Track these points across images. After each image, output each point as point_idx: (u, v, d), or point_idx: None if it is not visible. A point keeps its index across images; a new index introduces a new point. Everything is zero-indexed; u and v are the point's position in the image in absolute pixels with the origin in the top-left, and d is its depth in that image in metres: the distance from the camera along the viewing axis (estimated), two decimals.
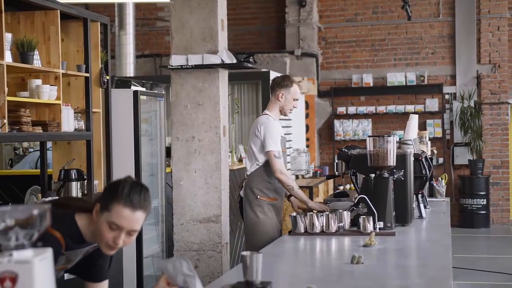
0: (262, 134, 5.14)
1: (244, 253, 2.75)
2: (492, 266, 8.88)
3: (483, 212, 12.23)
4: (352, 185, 12.20)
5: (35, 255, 1.79)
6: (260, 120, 5.28)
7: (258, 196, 5.21)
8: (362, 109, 12.83)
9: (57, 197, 5.04)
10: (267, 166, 5.19)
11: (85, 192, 5.61)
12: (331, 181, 11.41)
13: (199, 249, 5.77)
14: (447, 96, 12.71)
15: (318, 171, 11.40)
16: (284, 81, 5.32)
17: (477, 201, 12.19)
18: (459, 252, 9.67)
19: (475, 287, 7.89)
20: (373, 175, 4.45)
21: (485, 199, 12.21)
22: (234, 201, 6.86)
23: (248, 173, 5.34)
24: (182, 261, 2.69)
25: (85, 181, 5.59)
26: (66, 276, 3.24)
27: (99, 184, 5.86)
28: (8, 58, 4.67)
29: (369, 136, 4.52)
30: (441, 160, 12.52)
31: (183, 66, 5.87)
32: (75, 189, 5.46)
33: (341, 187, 12.23)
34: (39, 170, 5.78)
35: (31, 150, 8.41)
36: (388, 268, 3.36)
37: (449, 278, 2.95)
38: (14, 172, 7.26)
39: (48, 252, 1.83)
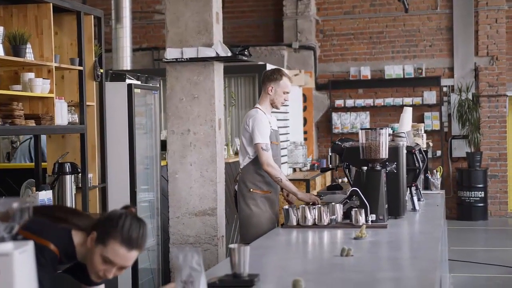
0: (251, 127, 5.17)
1: (232, 246, 2.77)
2: (490, 258, 8.89)
3: (481, 204, 12.24)
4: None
5: (15, 247, 1.79)
6: (249, 114, 5.30)
7: (251, 189, 5.23)
8: (360, 102, 12.82)
9: (56, 205, 4.96)
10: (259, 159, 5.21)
11: (79, 185, 5.61)
12: (328, 174, 11.42)
13: (195, 242, 5.78)
14: (445, 89, 12.70)
15: (316, 164, 11.41)
16: (274, 75, 5.33)
17: (475, 193, 12.20)
18: (456, 244, 9.69)
19: (472, 280, 7.90)
20: (365, 167, 4.46)
21: (483, 192, 12.22)
22: (230, 194, 6.87)
23: (241, 167, 5.36)
24: (194, 254, 2.69)
25: (79, 174, 5.59)
26: None
27: (93, 178, 5.86)
28: (0, 51, 4.67)
29: (361, 129, 4.53)
30: (439, 152, 12.52)
31: (178, 59, 5.87)
32: (69, 183, 5.46)
33: (339, 180, 12.26)
34: (33, 164, 5.79)
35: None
36: (377, 260, 3.37)
37: (436, 269, 2.95)
38: (10, 165, 7.27)
39: (29, 245, 1.83)
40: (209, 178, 5.98)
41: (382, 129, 4.47)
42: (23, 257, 1.79)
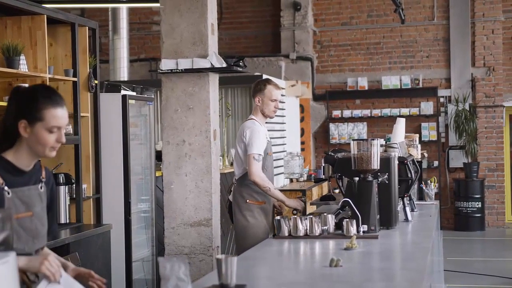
0: (247, 138, 5.20)
1: (219, 256, 2.78)
2: (486, 269, 8.88)
3: (478, 215, 12.23)
4: None
5: None
6: (246, 125, 5.35)
7: (248, 200, 5.25)
8: (357, 112, 12.85)
9: None
10: None
11: (74, 196, 5.63)
12: (325, 184, 11.43)
13: (190, 253, 5.79)
14: (442, 99, 12.72)
15: (313, 175, 11.41)
16: (258, 86, 5.43)
17: (472, 204, 12.20)
18: (453, 255, 9.69)
19: None
20: (357, 178, 4.46)
21: (480, 202, 12.22)
22: (225, 205, 6.87)
23: (236, 178, 5.38)
24: (182, 265, 2.70)
25: (73, 185, 5.60)
26: None
27: (87, 188, 5.87)
28: None
29: (353, 140, 4.54)
30: (436, 163, 12.53)
31: (173, 70, 5.89)
32: (63, 194, 5.47)
33: (337, 191, 12.25)
34: None
35: None
36: (365, 271, 3.37)
37: (423, 280, 2.96)
38: None
39: (11, 256, 1.84)
40: (204, 188, 5.98)
41: (373, 139, 4.48)
42: (4, 268, 1.80)
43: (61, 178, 5.47)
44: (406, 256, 3.70)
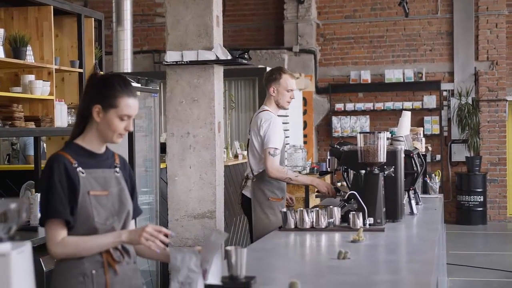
0: (264, 131, 5.07)
1: (229, 248, 2.78)
2: (488, 262, 8.89)
3: (480, 209, 12.25)
4: None
5: (13, 248, 1.80)
6: (262, 117, 5.17)
7: (270, 198, 5.15)
8: (360, 105, 12.84)
9: None
10: None
11: None
12: (328, 177, 11.43)
13: (194, 245, 5.78)
14: (445, 93, 12.72)
15: (316, 168, 11.42)
16: (273, 75, 5.25)
17: (474, 198, 12.21)
18: (455, 248, 9.70)
19: (470, 284, 7.91)
20: (363, 171, 4.46)
21: (482, 196, 12.23)
22: (229, 197, 6.88)
23: (255, 173, 5.23)
24: (193, 256, 2.71)
25: None
26: None
27: None
28: (0, 53, 4.69)
29: (359, 133, 4.54)
30: (438, 157, 12.53)
31: (178, 62, 5.88)
32: None
33: (339, 184, 12.26)
34: (33, 166, 5.80)
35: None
36: (373, 263, 3.38)
37: (432, 273, 2.97)
38: (10, 167, 7.29)
39: (27, 246, 1.84)
40: (209, 181, 5.98)
41: (380, 133, 4.48)
42: (20, 258, 1.81)
43: None
44: (413, 249, 3.70)
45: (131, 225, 3.05)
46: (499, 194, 12.59)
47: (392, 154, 4.60)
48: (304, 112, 12.49)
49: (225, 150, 8.38)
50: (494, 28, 12.52)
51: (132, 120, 2.86)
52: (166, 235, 2.87)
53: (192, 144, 5.98)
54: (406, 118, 5.52)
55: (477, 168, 12.26)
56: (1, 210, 1.79)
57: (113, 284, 2.82)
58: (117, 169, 2.96)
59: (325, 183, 5.21)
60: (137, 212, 3.07)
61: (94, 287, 2.79)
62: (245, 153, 8.35)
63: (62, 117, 5.29)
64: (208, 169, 5.95)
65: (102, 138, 2.87)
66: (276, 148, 5.04)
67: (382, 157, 4.45)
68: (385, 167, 4.53)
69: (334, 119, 12.92)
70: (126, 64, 10.39)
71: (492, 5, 12.51)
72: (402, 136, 5.19)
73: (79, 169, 2.81)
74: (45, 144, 6.15)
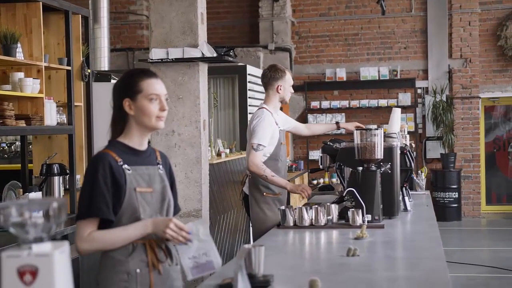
0: (253, 126, 5.11)
1: (247, 246, 2.75)
2: (464, 258, 8.99)
3: (455, 205, 12.38)
4: (328, 179, 12.27)
5: (55, 248, 1.76)
6: (256, 114, 5.24)
7: (264, 193, 5.17)
8: (336, 103, 12.88)
9: None
10: (270, 161, 5.15)
11: (67, 187, 5.55)
12: (306, 175, 11.46)
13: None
14: (419, 91, 12.82)
15: (294, 165, 11.44)
16: (278, 73, 5.32)
17: (449, 194, 12.33)
18: None
19: (454, 279, 7.96)
20: (360, 168, 4.46)
21: (456, 193, 12.36)
22: (213, 196, 6.84)
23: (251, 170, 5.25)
24: (199, 226, 2.72)
25: (67, 175, 5.52)
26: None
27: (81, 179, 5.79)
28: None
29: (356, 129, 4.54)
30: (414, 154, 12.61)
31: (163, 60, 5.83)
32: (57, 184, 5.39)
33: (322, 181, 12.30)
34: (19, 165, 5.70)
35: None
36: (383, 260, 3.38)
37: (446, 269, 2.97)
38: None
39: (66, 246, 1.80)
40: (194, 179, 5.95)
41: (377, 129, 4.49)
42: (62, 257, 1.77)
43: (56, 168, 5.38)
44: (420, 246, 3.71)
45: None
46: (473, 190, 12.73)
47: (388, 151, 4.61)
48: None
49: (209, 148, 8.33)
50: (467, 26, 12.65)
51: (164, 100, 2.87)
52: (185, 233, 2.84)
53: (177, 143, 5.94)
54: (396, 115, 5.54)
55: (452, 165, 12.39)
56: (44, 209, 1.74)
57: (157, 284, 2.81)
58: (160, 166, 2.95)
59: (299, 186, 5.24)
60: (176, 209, 3.05)
61: (138, 286, 2.78)
62: (227, 151, 8.31)
63: (52, 115, 5.20)
64: (194, 167, 5.92)
65: (144, 128, 2.87)
66: (259, 144, 5.06)
67: (379, 154, 4.46)
68: (381, 163, 4.53)
69: (310, 117, 12.94)
70: (103, 62, 10.26)
71: (465, 3, 12.64)
72: (395, 133, 5.21)
73: (125, 166, 2.81)
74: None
